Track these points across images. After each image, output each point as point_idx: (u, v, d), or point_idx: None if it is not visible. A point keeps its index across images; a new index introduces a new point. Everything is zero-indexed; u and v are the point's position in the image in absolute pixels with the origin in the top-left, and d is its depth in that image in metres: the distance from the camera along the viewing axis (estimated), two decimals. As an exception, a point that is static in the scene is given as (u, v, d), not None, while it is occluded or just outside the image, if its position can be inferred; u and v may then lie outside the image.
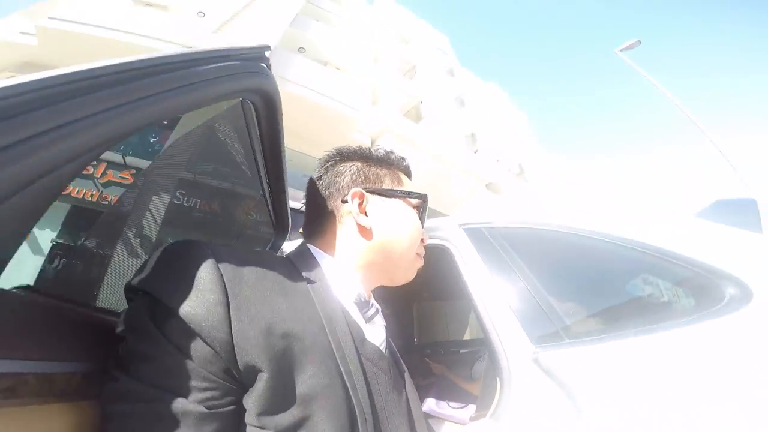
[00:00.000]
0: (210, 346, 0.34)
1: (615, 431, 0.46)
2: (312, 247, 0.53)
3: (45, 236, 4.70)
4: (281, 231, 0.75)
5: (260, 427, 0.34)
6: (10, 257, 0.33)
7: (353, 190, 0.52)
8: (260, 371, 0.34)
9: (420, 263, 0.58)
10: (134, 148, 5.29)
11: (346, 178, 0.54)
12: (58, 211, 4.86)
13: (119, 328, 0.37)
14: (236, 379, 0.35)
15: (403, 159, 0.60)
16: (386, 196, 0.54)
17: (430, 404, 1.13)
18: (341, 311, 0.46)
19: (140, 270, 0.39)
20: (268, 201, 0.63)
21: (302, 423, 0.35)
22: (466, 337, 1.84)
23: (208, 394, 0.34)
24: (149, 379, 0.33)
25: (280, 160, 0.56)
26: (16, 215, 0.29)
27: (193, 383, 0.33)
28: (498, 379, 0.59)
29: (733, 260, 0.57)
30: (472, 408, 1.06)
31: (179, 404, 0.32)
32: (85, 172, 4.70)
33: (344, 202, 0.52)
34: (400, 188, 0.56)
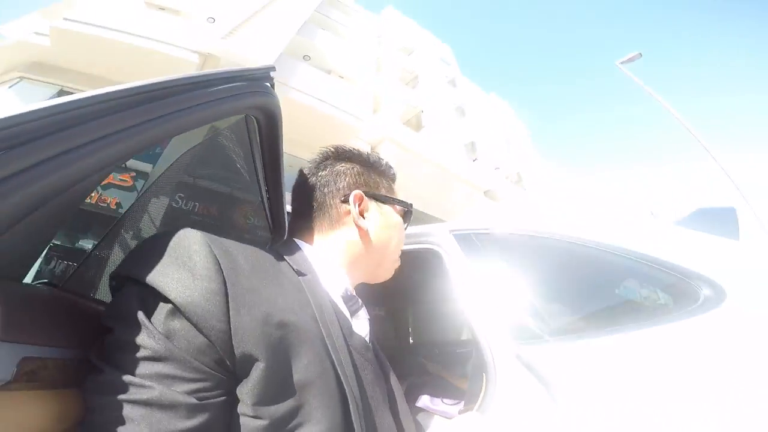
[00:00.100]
0: (205, 336, 0.33)
1: (588, 419, 0.49)
2: (299, 242, 0.54)
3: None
4: (278, 235, 0.79)
5: (255, 417, 0.34)
6: (39, 256, 0.38)
7: (355, 192, 0.54)
8: (256, 360, 0.34)
9: (398, 264, 0.62)
10: (135, 151, 5.34)
11: (348, 179, 0.56)
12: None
13: (105, 319, 0.36)
14: (228, 370, 0.34)
15: (392, 167, 0.64)
16: (382, 201, 0.58)
17: (425, 401, 1.14)
18: (330, 303, 0.47)
19: (129, 258, 0.38)
20: (266, 206, 0.67)
21: (297, 411, 0.35)
22: (460, 337, 1.87)
23: (198, 385, 0.33)
24: (137, 371, 0.32)
25: (278, 169, 0.60)
26: (47, 221, 0.33)
27: (183, 374, 0.32)
28: (484, 374, 0.62)
29: (708, 264, 0.60)
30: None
31: (168, 396, 0.31)
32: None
33: (343, 202, 0.54)
34: (393, 196, 0.60)
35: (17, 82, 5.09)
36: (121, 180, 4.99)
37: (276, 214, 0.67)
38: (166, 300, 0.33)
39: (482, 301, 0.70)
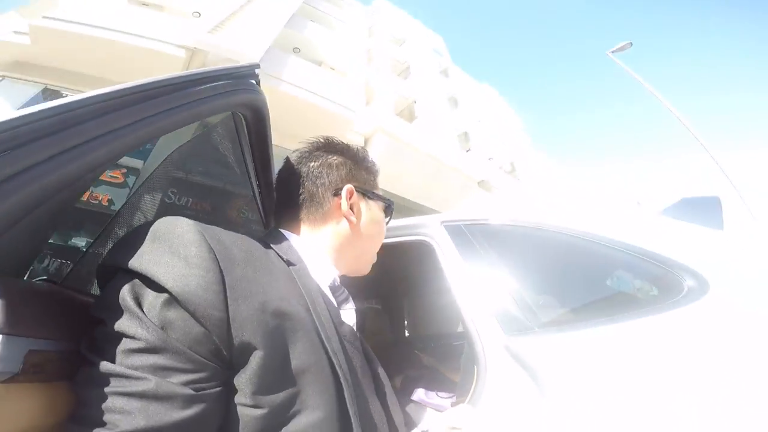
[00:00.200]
0: (203, 326, 0.33)
1: (573, 409, 0.49)
2: (286, 232, 0.54)
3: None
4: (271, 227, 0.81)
5: (254, 406, 0.34)
6: (39, 253, 0.39)
7: (347, 186, 0.55)
8: (255, 349, 0.34)
9: (375, 260, 0.64)
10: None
11: (341, 172, 0.56)
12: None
13: (95, 310, 0.35)
14: (223, 360, 0.34)
15: (376, 163, 0.65)
16: (370, 198, 0.59)
17: (420, 394, 1.13)
18: (320, 293, 0.47)
19: (118, 248, 0.38)
20: (258, 200, 0.69)
21: (295, 398, 0.36)
22: (456, 329, 1.89)
23: (194, 375, 0.33)
24: (131, 362, 0.31)
25: (268, 164, 0.62)
26: (45, 219, 0.35)
27: (179, 365, 0.32)
28: (475, 366, 0.63)
29: (692, 255, 0.60)
30: (459, 397, 1.10)
31: (165, 387, 0.31)
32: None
33: (334, 195, 0.55)
34: (379, 193, 0.62)
35: (-1, 81, 4.99)
36: (112, 177, 4.94)
37: (268, 208, 0.69)
38: (161, 290, 0.33)
39: (473, 292, 0.71)
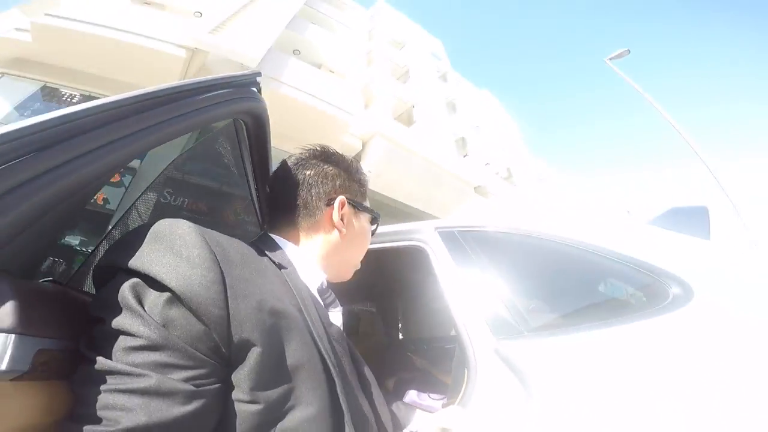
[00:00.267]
0: (204, 324, 0.34)
1: (559, 410, 0.51)
2: (277, 237, 0.56)
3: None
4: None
5: (251, 402, 0.35)
6: (48, 255, 0.40)
7: (340, 197, 0.57)
8: (253, 346, 0.36)
9: (359, 267, 0.66)
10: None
11: (335, 183, 0.58)
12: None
13: (94, 309, 0.36)
14: (222, 357, 0.35)
15: (365, 175, 0.67)
16: (359, 210, 0.61)
17: (412, 396, 1.16)
18: (309, 295, 0.49)
19: (117, 249, 0.38)
20: (255, 204, 0.71)
21: (290, 394, 0.37)
22: (448, 333, 1.90)
23: (194, 372, 0.33)
24: (131, 360, 0.32)
25: (267, 169, 0.64)
26: (56, 222, 0.36)
27: (180, 362, 0.33)
28: (465, 369, 0.64)
29: (678, 263, 0.62)
30: (450, 399, 1.11)
31: (166, 384, 0.32)
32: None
33: (327, 205, 0.57)
34: (368, 206, 0.64)
35: (-1, 78, 4.97)
36: (109, 176, 4.92)
37: (265, 211, 0.70)
38: (163, 288, 0.34)
39: (465, 297, 0.72)
